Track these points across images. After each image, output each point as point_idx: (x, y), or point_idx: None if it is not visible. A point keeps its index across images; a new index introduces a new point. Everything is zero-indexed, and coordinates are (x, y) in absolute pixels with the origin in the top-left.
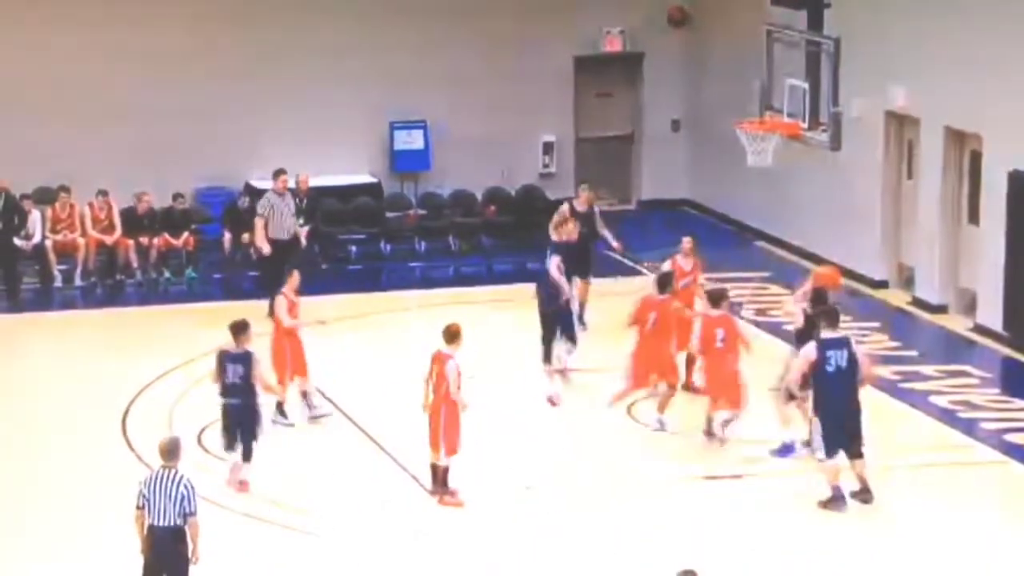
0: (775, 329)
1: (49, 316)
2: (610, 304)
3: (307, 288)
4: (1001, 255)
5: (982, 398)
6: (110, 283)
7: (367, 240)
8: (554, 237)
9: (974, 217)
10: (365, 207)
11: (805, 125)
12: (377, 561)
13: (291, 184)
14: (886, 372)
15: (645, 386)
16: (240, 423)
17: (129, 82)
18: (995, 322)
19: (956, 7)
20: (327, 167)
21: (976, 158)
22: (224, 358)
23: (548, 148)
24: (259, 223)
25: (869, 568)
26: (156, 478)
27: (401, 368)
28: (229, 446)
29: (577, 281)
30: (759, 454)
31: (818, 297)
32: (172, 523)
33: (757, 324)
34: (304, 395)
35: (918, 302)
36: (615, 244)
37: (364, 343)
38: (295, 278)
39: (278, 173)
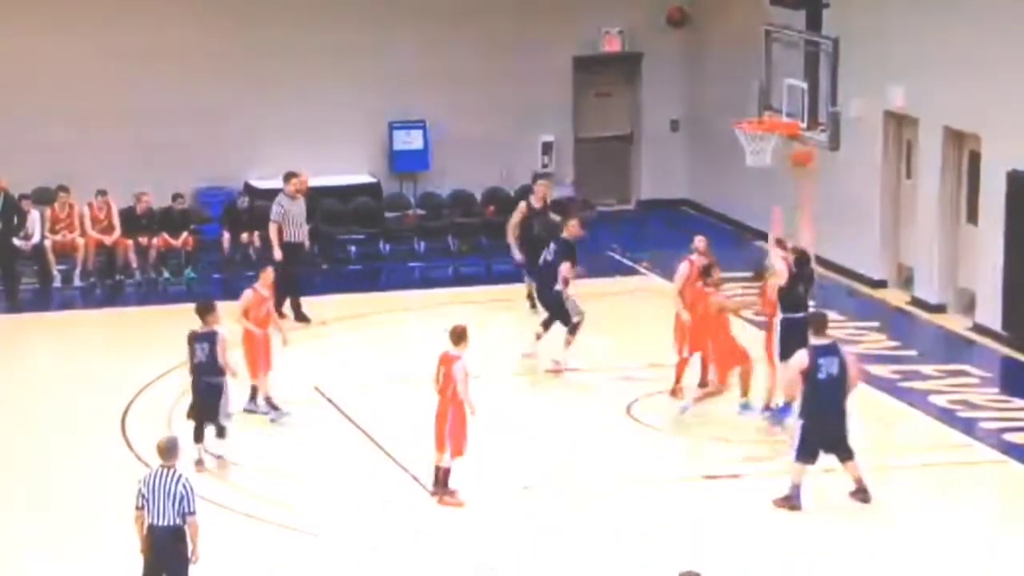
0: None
1: (48, 316)
2: (610, 304)
3: (307, 288)
4: (1000, 255)
5: (981, 397)
6: (109, 283)
7: (366, 240)
8: (564, 235)
9: (973, 217)
10: (364, 207)
11: (804, 125)
12: (377, 561)
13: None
14: (885, 371)
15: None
16: (206, 400)
17: (128, 82)
18: (994, 321)
19: (955, 7)
20: (326, 167)
21: (975, 158)
22: (192, 338)
23: (547, 148)
24: (273, 229)
25: (869, 568)
26: (155, 477)
27: (401, 368)
28: (197, 427)
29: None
30: (758, 454)
31: (801, 257)
32: (171, 523)
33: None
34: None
35: (917, 302)
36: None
37: (364, 343)
38: (268, 274)
39: (289, 176)
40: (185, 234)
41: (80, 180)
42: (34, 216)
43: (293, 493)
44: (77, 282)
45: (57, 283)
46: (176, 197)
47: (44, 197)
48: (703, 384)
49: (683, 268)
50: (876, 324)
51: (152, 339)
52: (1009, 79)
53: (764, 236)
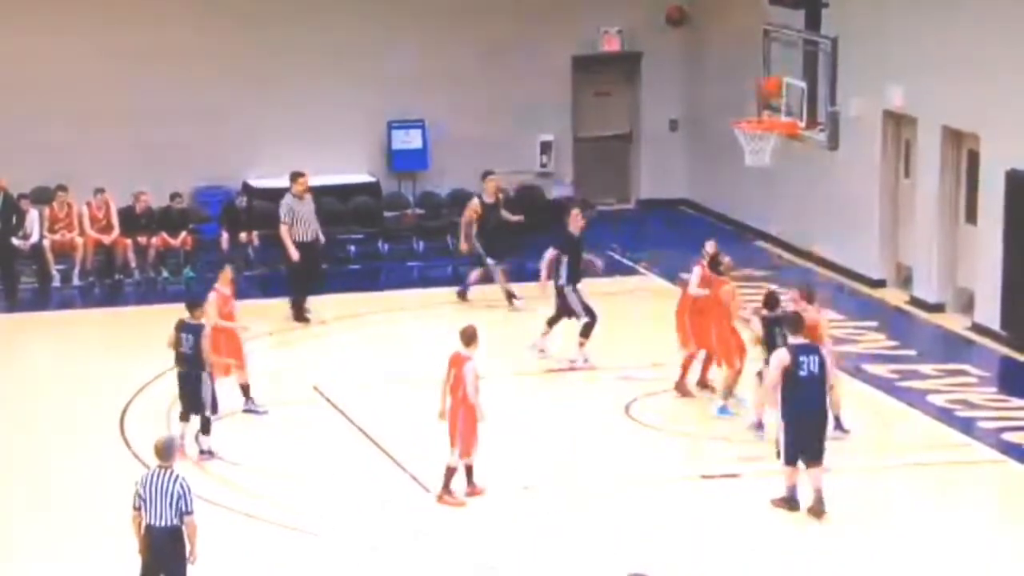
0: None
1: (47, 316)
2: (610, 304)
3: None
4: (999, 254)
5: (980, 397)
6: (108, 282)
7: (365, 240)
8: (570, 230)
9: (972, 216)
10: (363, 206)
11: (803, 124)
12: (377, 561)
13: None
14: (884, 371)
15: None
16: (189, 392)
17: (127, 82)
18: (993, 321)
19: (954, 7)
20: (325, 166)
21: (974, 157)
22: (179, 327)
23: (546, 147)
24: (283, 230)
25: (868, 568)
26: (152, 478)
27: (400, 368)
28: (184, 416)
29: (495, 267)
30: (757, 453)
31: (770, 299)
32: (169, 523)
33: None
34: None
35: (916, 301)
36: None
37: (363, 343)
38: (227, 273)
39: (296, 176)
40: (184, 233)
41: (79, 180)
42: (33, 215)
43: (293, 493)
44: (76, 281)
45: (56, 282)
46: (175, 196)
47: (43, 197)
48: (703, 384)
49: (696, 272)
50: (875, 324)
51: (151, 338)
52: (1008, 79)
53: (764, 236)
